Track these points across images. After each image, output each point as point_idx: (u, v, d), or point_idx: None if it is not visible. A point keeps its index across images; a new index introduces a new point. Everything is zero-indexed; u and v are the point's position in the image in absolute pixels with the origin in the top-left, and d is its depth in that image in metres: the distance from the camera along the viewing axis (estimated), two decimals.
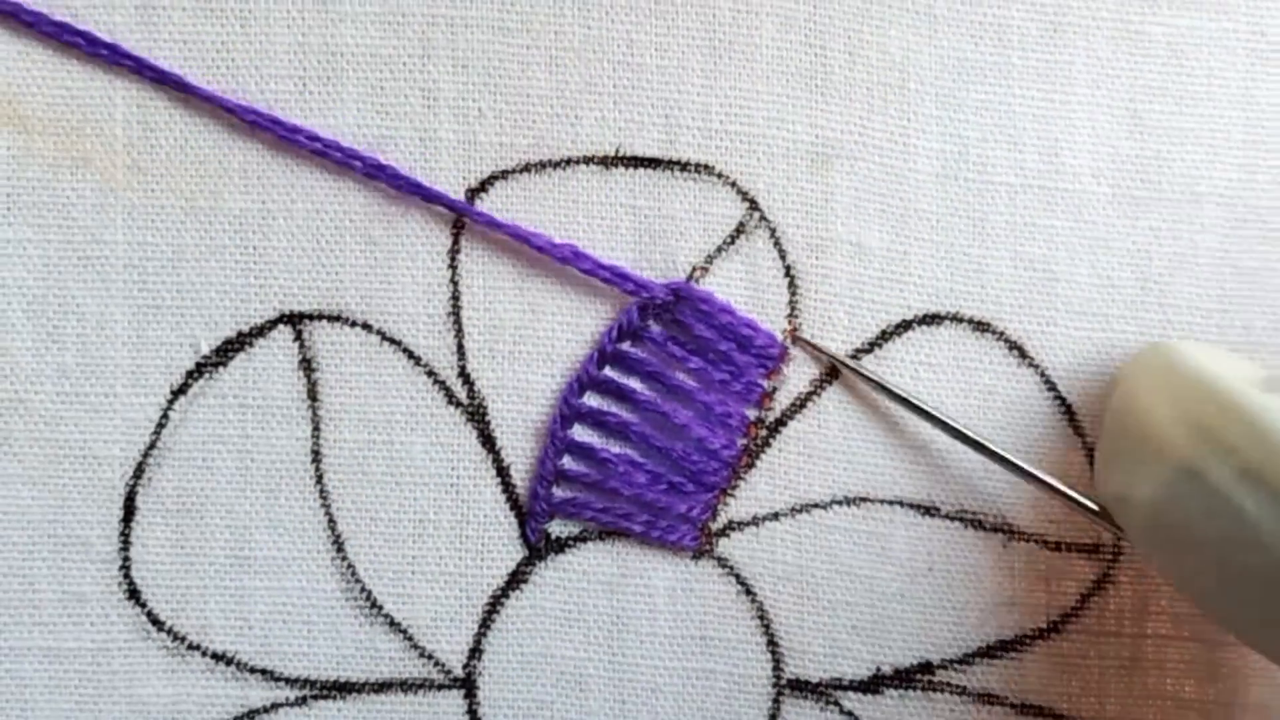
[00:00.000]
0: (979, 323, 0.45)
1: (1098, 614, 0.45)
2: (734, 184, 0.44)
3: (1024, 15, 0.45)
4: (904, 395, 0.44)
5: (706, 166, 0.44)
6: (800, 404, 0.45)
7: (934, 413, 0.44)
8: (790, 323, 0.45)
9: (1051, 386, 0.45)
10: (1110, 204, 0.45)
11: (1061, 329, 0.45)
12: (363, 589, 0.45)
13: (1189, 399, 0.39)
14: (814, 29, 0.44)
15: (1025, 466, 0.43)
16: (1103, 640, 0.45)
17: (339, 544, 0.45)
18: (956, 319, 0.45)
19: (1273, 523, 0.36)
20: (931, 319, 0.45)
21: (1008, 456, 0.43)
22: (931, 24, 0.44)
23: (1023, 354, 0.45)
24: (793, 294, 0.45)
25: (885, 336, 0.45)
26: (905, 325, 0.45)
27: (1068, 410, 0.45)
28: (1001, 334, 0.45)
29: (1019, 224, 0.45)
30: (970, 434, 0.43)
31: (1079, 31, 0.45)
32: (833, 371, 0.45)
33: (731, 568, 0.45)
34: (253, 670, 0.45)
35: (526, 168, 0.44)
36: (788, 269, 0.45)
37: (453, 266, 0.44)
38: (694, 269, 0.45)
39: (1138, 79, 0.45)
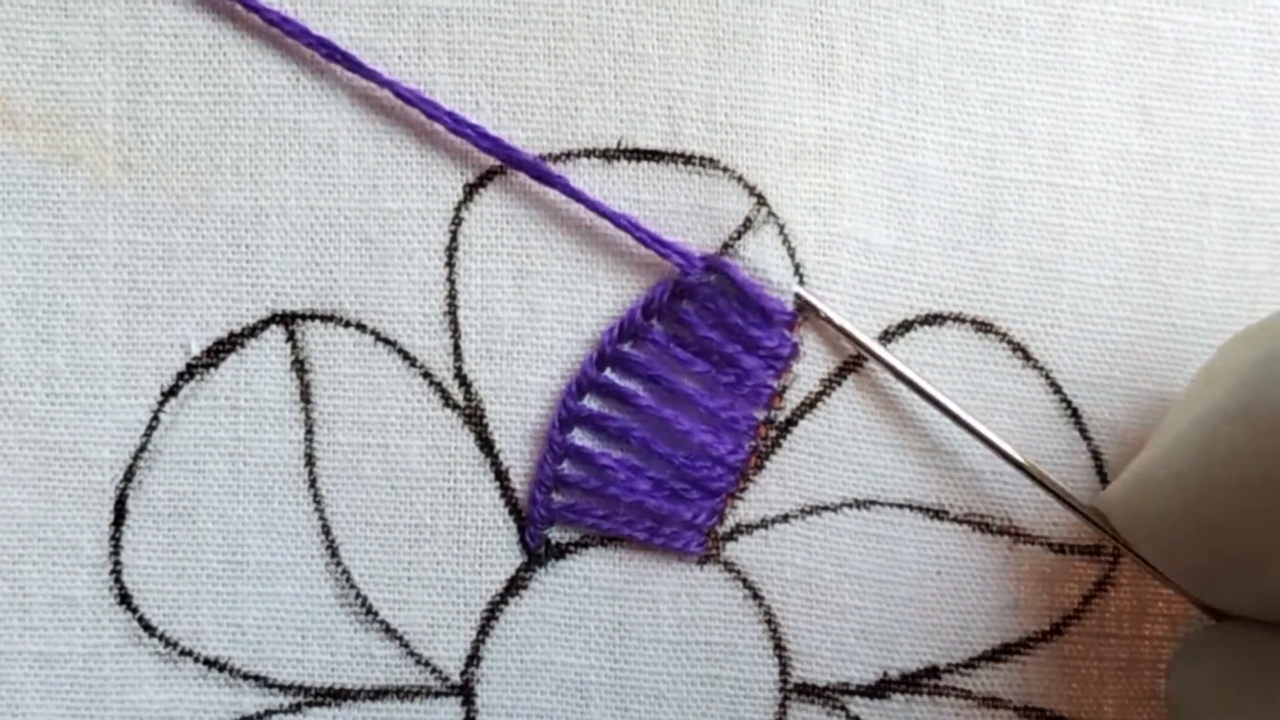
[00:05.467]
0: (982, 323, 0.44)
1: (1098, 615, 0.45)
2: (740, 178, 0.44)
3: (1034, 7, 0.44)
4: (915, 381, 0.43)
5: (711, 160, 0.44)
6: (811, 403, 0.44)
7: (943, 402, 0.43)
8: (800, 318, 0.44)
9: (1057, 389, 0.44)
10: (1119, 203, 0.45)
11: (1066, 331, 0.45)
12: (358, 595, 0.44)
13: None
14: (820, 19, 0.44)
15: (1029, 466, 0.43)
16: (1102, 641, 0.45)
17: (333, 549, 0.44)
18: (959, 319, 0.44)
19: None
20: (934, 319, 0.44)
21: (1013, 455, 0.43)
22: (940, 15, 0.44)
23: (1027, 356, 0.45)
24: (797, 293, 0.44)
25: (887, 336, 0.44)
26: (907, 325, 0.44)
27: (1074, 414, 0.45)
28: (1005, 335, 0.45)
29: (1027, 221, 0.44)
30: (978, 427, 0.43)
31: (1089, 25, 0.44)
32: (843, 371, 0.44)
33: (739, 572, 0.44)
34: (246, 676, 0.44)
35: None
36: (797, 267, 0.44)
37: (450, 265, 0.44)
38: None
39: (1147, 75, 0.45)
